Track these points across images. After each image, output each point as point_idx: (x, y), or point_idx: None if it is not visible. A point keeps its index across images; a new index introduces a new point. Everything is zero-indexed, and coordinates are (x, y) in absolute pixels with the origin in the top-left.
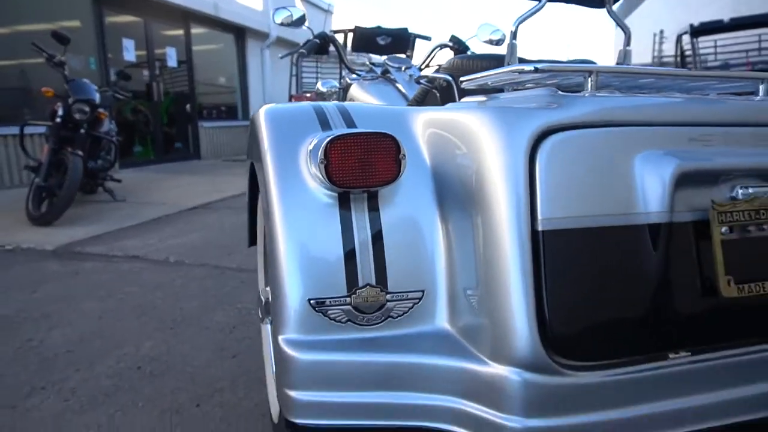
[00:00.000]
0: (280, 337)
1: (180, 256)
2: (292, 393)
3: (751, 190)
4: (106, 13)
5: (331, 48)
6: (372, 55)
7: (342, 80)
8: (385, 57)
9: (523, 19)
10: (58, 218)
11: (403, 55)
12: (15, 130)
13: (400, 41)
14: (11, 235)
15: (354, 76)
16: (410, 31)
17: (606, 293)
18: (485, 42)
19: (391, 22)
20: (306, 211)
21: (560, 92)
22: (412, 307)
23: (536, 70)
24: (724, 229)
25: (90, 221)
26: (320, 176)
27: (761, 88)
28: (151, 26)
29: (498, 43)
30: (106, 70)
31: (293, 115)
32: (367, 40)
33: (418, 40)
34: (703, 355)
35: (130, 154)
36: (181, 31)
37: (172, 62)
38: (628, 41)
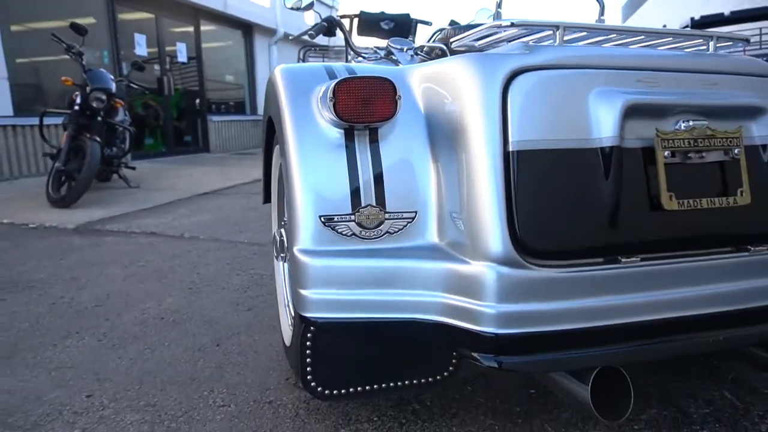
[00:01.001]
0: (295, 248)
1: (194, 233)
2: (304, 292)
3: (691, 123)
4: (118, 9)
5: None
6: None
7: (348, 63)
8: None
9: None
10: (76, 201)
11: (407, 39)
12: (36, 120)
13: (403, 26)
14: (34, 215)
15: (360, 58)
16: (412, 16)
17: (565, 204)
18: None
19: (394, 9)
20: (317, 146)
21: (531, 44)
22: (406, 225)
23: (512, 25)
24: (666, 153)
25: (106, 204)
26: (330, 113)
27: (711, 44)
28: (162, 22)
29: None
30: (118, 64)
31: (306, 71)
32: (371, 25)
33: (419, 26)
34: (650, 260)
35: (142, 147)
36: (191, 28)
37: (182, 58)
38: (602, 12)
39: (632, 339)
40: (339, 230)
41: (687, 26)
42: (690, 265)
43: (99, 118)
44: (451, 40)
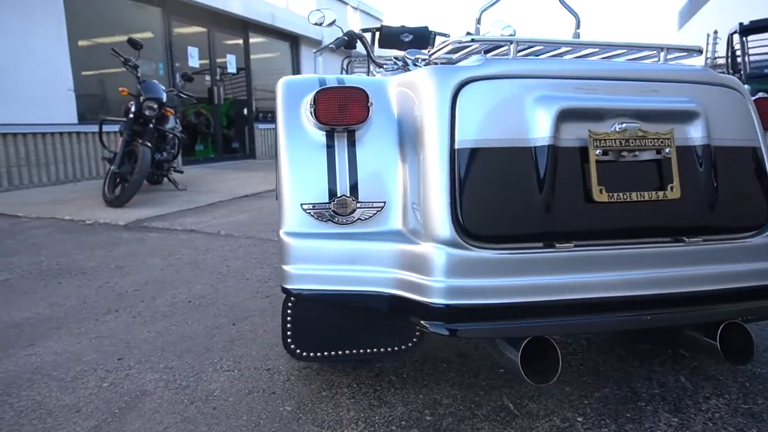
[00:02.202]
0: (281, 231)
1: (229, 231)
2: (286, 267)
3: (623, 125)
4: (173, 24)
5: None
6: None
7: (369, 74)
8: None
9: (485, 9)
10: (128, 201)
11: (424, 51)
12: (96, 128)
13: (422, 38)
14: (91, 213)
15: (380, 69)
16: (430, 29)
17: (503, 195)
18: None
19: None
20: (303, 145)
21: (486, 56)
22: (376, 213)
23: (473, 40)
24: (598, 151)
25: (154, 204)
26: (311, 117)
27: (661, 55)
28: (214, 35)
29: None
30: (172, 75)
31: (301, 82)
32: (391, 37)
33: (438, 37)
34: (584, 246)
35: (192, 153)
36: (240, 40)
37: (231, 68)
38: (578, 26)
39: (563, 314)
40: (317, 216)
41: (735, 32)
42: (622, 251)
43: (151, 126)
44: (430, 53)
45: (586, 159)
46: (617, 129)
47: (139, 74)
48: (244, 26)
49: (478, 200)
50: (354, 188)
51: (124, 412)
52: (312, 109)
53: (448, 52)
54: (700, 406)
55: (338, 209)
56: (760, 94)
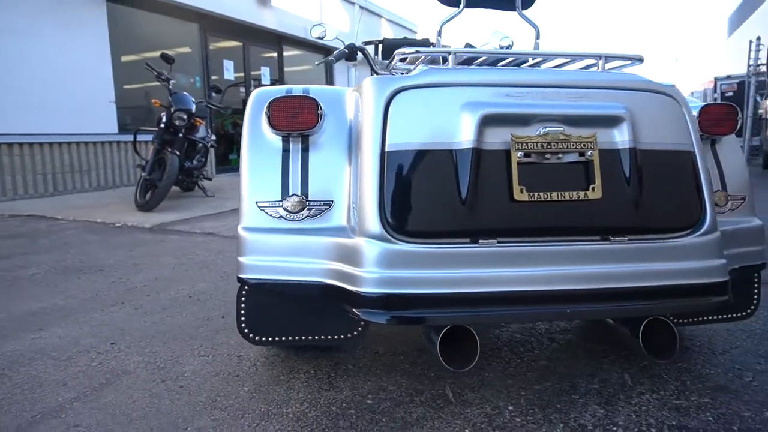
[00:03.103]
0: (239, 227)
1: None
2: (241, 259)
3: (546, 129)
4: (210, 39)
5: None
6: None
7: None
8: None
9: (445, 22)
10: (157, 205)
11: None
12: (131, 137)
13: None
14: (121, 216)
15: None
16: (431, 41)
17: (430, 195)
18: (499, 47)
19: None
20: (261, 149)
21: (431, 66)
22: (324, 211)
23: (416, 51)
24: (520, 154)
25: (181, 209)
26: (266, 124)
27: (600, 63)
28: (249, 49)
29: (507, 48)
30: (208, 88)
31: (269, 91)
32: (393, 49)
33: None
34: (507, 242)
35: (227, 162)
36: (274, 53)
37: (265, 80)
38: (537, 36)
39: (485, 305)
40: (270, 213)
41: None
42: (545, 248)
43: (180, 135)
44: (388, 63)
45: (508, 160)
46: (540, 133)
47: (170, 87)
48: (279, 40)
49: (405, 199)
50: (305, 188)
51: (103, 387)
52: (267, 116)
53: (410, 62)
54: (631, 400)
55: (289, 207)
56: (708, 101)
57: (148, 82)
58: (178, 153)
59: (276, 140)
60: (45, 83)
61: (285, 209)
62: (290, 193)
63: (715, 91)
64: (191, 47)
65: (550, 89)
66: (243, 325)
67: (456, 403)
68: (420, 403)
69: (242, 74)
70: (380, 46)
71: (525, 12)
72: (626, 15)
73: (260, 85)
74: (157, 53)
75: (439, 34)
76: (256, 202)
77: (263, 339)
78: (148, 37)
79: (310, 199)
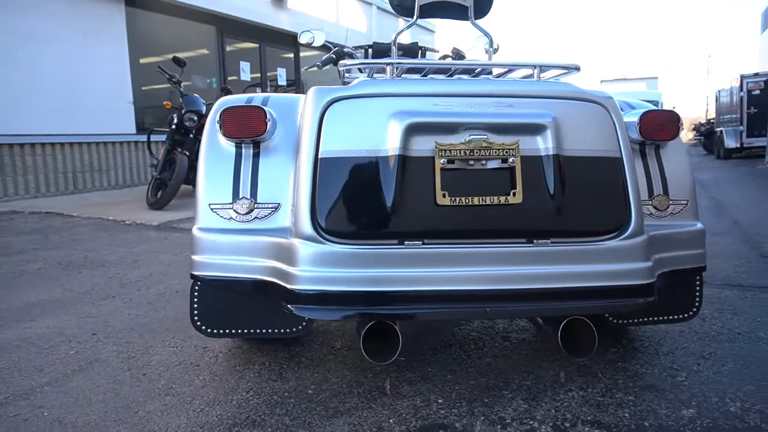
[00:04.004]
0: (194, 227)
1: None
2: (194, 257)
3: (469, 137)
4: (227, 41)
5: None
6: None
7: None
8: None
9: (399, 33)
10: (167, 204)
11: None
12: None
13: (411, 53)
14: (132, 214)
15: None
16: (420, 45)
17: (358, 198)
18: (485, 51)
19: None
20: (216, 154)
21: (374, 76)
22: (271, 213)
23: (363, 63)
24: (443, 160)
25: (191, 208)
26: (219, 131)
27: (535, 72)
28: (265, 50)
29: (494, 52)
30: (220, 89)
31: (231, 99)
32: (382, 54)
33: (429, 52)
34: (431, 244)
35: None
36: (291, 54)
37: (281, 81)
38: (490, 44)
39: (409, 303)
40: (221, 215)
41: None
42: (468, 250)
43: (191, 136)
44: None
45: (432, 167)
46: (464, 140)
47: (182, 89)
48: (295, 40)
49: (336, 202)
50: (254, 191)
51: (75, 373)
52: (219, 125)
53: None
54: (557, 396)
55: (239, 209)
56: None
57: (166, 83)
58: (188, 153)
59: (230, 147)
60: (66, 86)
61: (235, 211)
62: (240, 196)
63: (741, 89)
64: (208, 49)
65: (478, 98)
66: (196, 318)
67: (390, 395)
68: (357, 395)
69: (258, 75)
70: (370, 51)
71: (478, 21)
72: (659, 12)
73: (277, 86)
74: (175, 55)
75: (394, 44)
76: (209, 204)
77: (214, 332)
78: (165, 40)
79: (258, 201)
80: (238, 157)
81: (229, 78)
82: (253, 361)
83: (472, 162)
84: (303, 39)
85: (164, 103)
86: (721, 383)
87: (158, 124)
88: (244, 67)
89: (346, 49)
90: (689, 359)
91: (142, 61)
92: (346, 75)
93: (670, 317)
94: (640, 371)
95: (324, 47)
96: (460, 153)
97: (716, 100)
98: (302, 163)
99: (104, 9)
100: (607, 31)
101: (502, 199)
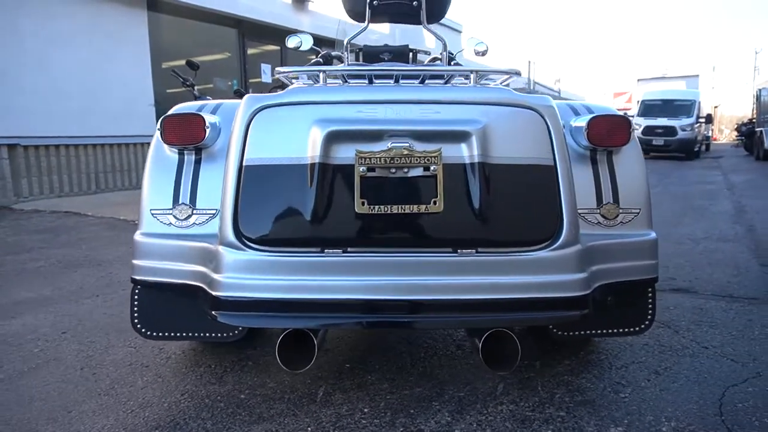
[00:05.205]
0: (137, 232)
1: None
2: (134, 261)
3: (389, 144)
4: (248, 44)
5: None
6: None
7: None
8: None
9: (351, 38)
10: None
11: None
12: None
13: (401, 56)
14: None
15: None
16: (411, 47)
17: (280, 206)
18: (475, 53)
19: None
20: (159, 161)
21: (302, 84)
22: (208, 219)
23: (295, 70)
24: (362, 168)
25: None
26: (160, 138)
27: (472, 77)
28: (286, 52)
29: (483, 54)
30: (246, 90)
31: (183, 106)
32: (372, 56)
33: (423, 55)
34: (352, 252)
35: None
36: (312, 56)
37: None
38: (444, 48)
39: (326, 312)
40: (161, 220)
41: None
42: (388, 259)
43: None
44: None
45: (352, 175)
46: (385, 148)
47: (195, 92)
48: (316, 42)
49: (258, 210)
50: (193, 197)
51: (31, 371)
52: (159, 132)
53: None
54: (485, 409)
55: (178, 214)
56: (594, 114)
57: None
58: None
59: (173, 153)
60: (90, 89)
61: (174, 217)
62: (180, 202)
63: None
64: (230, 52)
65: (405, 105)
66: (135, 321)
67: (319, 403)
68: (287, 401)
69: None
70: (360, 54)
71: (431, 26)
72: (703, 6)
73: (272, 88)
74: (196, 58)
75: (346, 49)
76: (151, 210)
77: (153, 335)
78: (187, 43)
79: (197, 207)
80: (181, 163)
81: (251, 80)
82: (200, 364)
83: (393, 170)
84: (290, 43)
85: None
86: (664, 401)
87: None
88: (265, 69)
89: (333, 53)
90: (641, 374)
91: (164, 65)
92: (294, 82)
93: (620, 330)
94: (584, 386)
95: (312, 51)
96: (380, 161)
97: (757, 99)
98: (228, 170)
99: (127, 14)
100: (648, 28)
101: (423, 207)
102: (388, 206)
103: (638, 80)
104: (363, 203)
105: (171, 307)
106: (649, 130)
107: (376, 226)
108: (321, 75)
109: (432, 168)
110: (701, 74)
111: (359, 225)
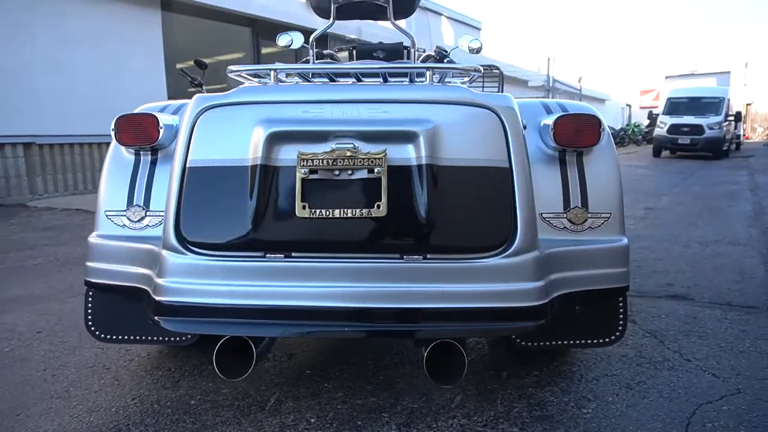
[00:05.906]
0: (93, 233)
1: None
2: (88, 263)
3: (332, 146)
4: (262, 43)
5: None
6: None
7: None
8: None
9: (317, 36)
10: None
11: None
12: None
13: (395, 54)
14: None
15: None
16: (404, 45)
17: (222, 209)
18: (468, 50)
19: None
20: (116, 162)
21: (254, 84)
22: (161, 221)
23: (247, 68)
24: (304, 170)
25: None
26: (114, 139)
27: (428, 74)
28: (301, 50)
29: (477, 51)
30: None
31: (146, 108)
32: (366, 54)
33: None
34: (293, 258)
35: None
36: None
37: None
38: (413, 45)
39: (264, 318)
40: (115, 222)
41: None
42: (330, 265)
43: None
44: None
45: (293, 177)
46: (327, 150)
47: (204, 91)
48: (332, 41)
49: (200, 213)
50: (147, 199)
51: None
52: (113, 133)
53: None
54: (436, 422)
55: (131, 216)
56: (561, 113)
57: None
58: None
59: (130, 155)
60: (104, 88)
61: (128, 218)
62: (134, 203)
63: None
64: (244, 51)
65: (352, 105)
66: (90, 323)
67: (267, 411)
68: (235, 408)
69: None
70: (354, 52)
71: (398, 22)
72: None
73: None
74: (210, 58)
75: (312, 47)
76: (105, 212)
77: (106, 337)
78: (201, 43)
79: (151, 209)
80: (136, 164)
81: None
82: (161, 367)
83: (337, 172)
84: (281, 42)
85: None
86: (627, 418)
87: None
88: None
89: (326, 51)
90: (611, 388)
91: (178, 65)
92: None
93: (588, 341)
94: (547, 399)
95: (304, 49)
96: (322, 162)
97: None
98: (173, 171)
99: (141, 15)
100: (678, 24)
101: (365, 211)
102: (330, 210)
103: (666, 77)
104: (304, 207)
105: (123, 311)
106: (674, 129)
107: (318, 231)
108: (272, 73)
109: (377, 170)
110: (733, 71)
111: (301, 229)
